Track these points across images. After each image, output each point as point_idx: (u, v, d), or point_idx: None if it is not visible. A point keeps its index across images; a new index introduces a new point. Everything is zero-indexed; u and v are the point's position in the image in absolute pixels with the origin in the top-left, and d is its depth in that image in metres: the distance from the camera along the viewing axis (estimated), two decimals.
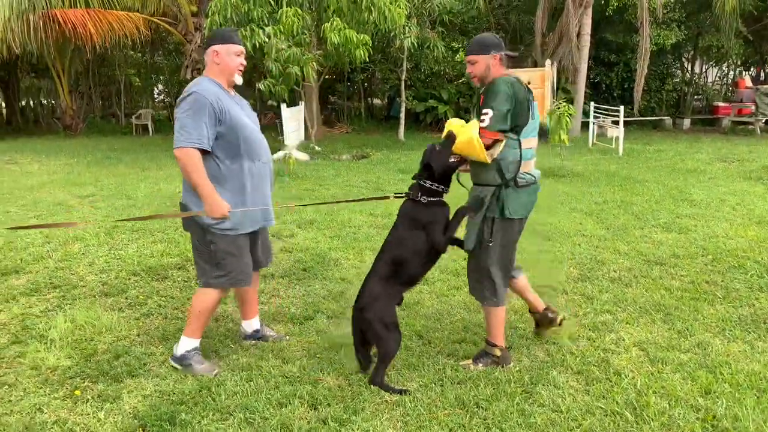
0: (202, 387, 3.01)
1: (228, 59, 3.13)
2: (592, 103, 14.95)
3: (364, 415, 2.77)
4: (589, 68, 17.89)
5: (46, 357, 3.34)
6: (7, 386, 3.03)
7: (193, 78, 17.50)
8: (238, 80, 3.21)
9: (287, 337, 3.63)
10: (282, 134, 13.03)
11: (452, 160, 3.05)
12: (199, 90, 3.02)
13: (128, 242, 5.75)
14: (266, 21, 11.59)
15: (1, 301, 4.19)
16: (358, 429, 2.66)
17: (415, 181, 3.16)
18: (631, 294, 4.31)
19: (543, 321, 3.54)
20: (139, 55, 23.31)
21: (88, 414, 2.78)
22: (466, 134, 2.98)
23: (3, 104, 24.15)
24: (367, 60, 12.14)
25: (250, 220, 3.19)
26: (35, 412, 2.79)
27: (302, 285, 4.57)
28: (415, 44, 13.87)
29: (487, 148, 2.96)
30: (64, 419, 2.73)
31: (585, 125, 15.86)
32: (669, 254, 5.23)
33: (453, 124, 3.16)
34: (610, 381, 3.07)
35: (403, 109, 16.36)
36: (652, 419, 2.72)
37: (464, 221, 3.18)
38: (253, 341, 3.57)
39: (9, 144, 16.20)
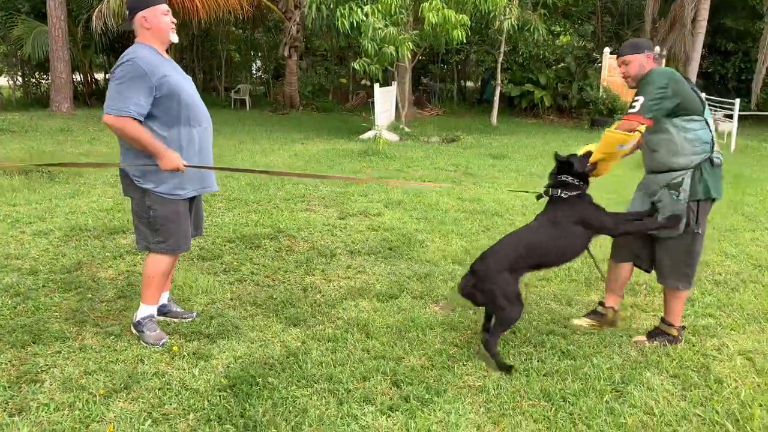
0: (289, 354, 3.10)
1: (157, 21, 3.03)
2: (703, 95, 13.95)
3: (446, 397, 2.75)
4: (703, 57, 16.72)
5: None
6: (113, 336, 3.25)
7: (290, 55, 18.11)
8: (174, 38, 3.12)
9: (195, 314, 3.54)
10: (373, 114, 13.12)
11: (589, 167, 3.23)
12: (134, 57, 2.92)
13: (225, 211, 6.02)
14: (365, 0, 11.63)
15: (110, 258, 4.49)
16: (439, 410, 2.64)
17: (551, 181, 3.30)
18: (738, 299, 4.01)
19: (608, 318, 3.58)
20: (240, 31, 24.13)
21: (184, 369, 2.94)
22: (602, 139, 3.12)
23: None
24: (464, 41, 11.90)
25: (191, 184, 3.14)
26: (137, 363, 2.98)
27: (388, 263, 4.60)
28: (515, 26, 13.48)
29: (631, 130, 2.98)
30: (163, 372, 2.90)
31: None
32: None
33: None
34: (710, 388, 2.88)
35: (497, 93, 16.01)
36: None
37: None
38: (161, 317, 3.43)
39: None
